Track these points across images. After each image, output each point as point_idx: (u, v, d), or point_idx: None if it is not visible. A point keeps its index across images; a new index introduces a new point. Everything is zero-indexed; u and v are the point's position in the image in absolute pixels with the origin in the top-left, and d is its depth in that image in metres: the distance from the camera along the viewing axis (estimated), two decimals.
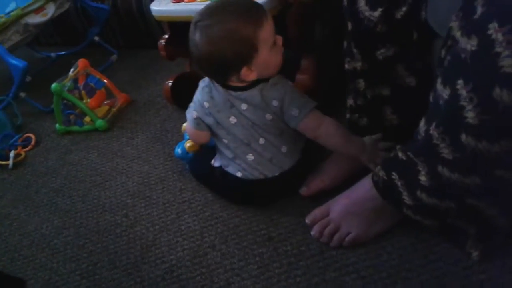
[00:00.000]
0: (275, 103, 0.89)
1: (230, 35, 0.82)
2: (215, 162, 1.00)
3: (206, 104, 0.93)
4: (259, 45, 0.83)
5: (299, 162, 0.97)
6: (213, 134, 0.97)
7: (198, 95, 0.96)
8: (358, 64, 0.91)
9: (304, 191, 0.97)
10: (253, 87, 0.89)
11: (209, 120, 0.94)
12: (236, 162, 0.95)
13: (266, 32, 0.84)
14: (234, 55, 0.83)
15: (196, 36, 0.84)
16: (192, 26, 0.86)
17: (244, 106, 0.90)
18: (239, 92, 0.90)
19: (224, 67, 0.86)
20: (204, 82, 0.95)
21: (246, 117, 0.91)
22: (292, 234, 0.92)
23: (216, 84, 0.92)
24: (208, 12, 0.85)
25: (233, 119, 0.92)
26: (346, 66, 0.95)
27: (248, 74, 0.86)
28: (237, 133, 0.92)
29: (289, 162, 0.95)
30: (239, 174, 0.96)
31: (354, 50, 0.90)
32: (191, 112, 0.97)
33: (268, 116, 0.90)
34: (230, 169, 0.97)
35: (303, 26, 1.17)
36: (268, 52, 0.85)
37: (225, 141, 0.95)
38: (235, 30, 0.82)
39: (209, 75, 0.92)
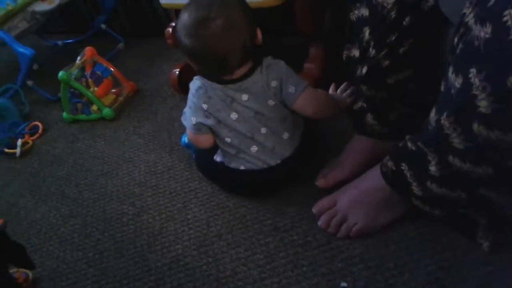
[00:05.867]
0: (274, 83, 0.90)
1: (248, 10, 0.87)
2: (217, 157, 1.00)
3: (204, 106, 0.92)
4: None
5: (299, 148, 0.96)
6: (214, 134, 0.95)
7: (193, 99, 0.93)
8: (372, 52, 0.88)
9: (321, 182, 0.96)
10: (251, 74, 0.89)
11: (210, 122, 0.92)
12: (239, 157, 0.94)
13: None
14: (254, 23, 0.88)
15: (210, 30, 0.83)
16: (197, 25, 0.83)
17: (245, 97, 0.90)
18: (238, 84, 0.90)
19: (250, 44, 0.87)
20: (195, 84, 0.93)
21: (248, 108, 0.90)
22: (298, 224, 0.91)
23: (211, 83, 0.91)
24: (207, 4, 0.84)
25: (234, 115, 0.91)
26: (345, 53, 0.94)
27: (259, 34, 0.90)
28: (240, 128, 0.92)
29: (290, 148, 0.95)
30: (242, 167, 0.95)
31: (367, 37, 0.87)
32: (189, 119, 0.95)
33: (270, 102, 0.91)
34: (233, 165, 0.96)
35: (312, 14, 1.16)
36: None
37: (228, 140, 0.93)
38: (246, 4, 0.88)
39: (235, 60, 0.88)
